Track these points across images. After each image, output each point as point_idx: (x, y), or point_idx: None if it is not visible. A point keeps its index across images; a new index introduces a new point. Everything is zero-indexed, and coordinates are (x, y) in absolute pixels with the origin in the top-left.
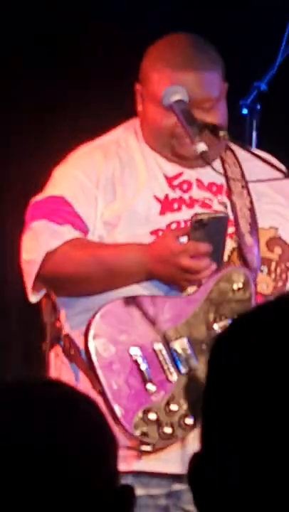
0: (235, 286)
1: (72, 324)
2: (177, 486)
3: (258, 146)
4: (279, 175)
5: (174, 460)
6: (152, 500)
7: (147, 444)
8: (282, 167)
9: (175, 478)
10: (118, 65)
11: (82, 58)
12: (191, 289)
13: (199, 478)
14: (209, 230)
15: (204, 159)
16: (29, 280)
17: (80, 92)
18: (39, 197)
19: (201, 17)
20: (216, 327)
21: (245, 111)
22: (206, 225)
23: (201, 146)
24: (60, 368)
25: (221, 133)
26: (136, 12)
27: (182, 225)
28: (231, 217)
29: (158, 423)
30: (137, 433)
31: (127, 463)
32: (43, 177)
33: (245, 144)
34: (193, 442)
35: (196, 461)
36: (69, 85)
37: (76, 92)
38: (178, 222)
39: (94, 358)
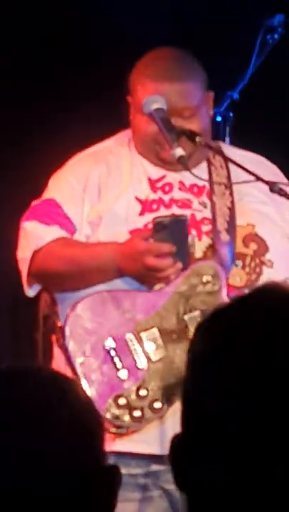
0: (204, 279)
1: (63, 317)
2: (156, 467)
3: None
4: (266, 176)
5: (152, 441)
6: (132, 479)
7: (120, 427)
8: (272, 169)
9: (154, 458)
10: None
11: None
12: (158, 286)
13: (181, 461)
14: (171, 231)
15: (182, 163)
16: (23, 276)
17: (76, 101)
18: (36, 201)
19: (179, 30)
20: (186, 318)
21: (219, 118)
22: (166, 226)
23: (179, 151)
24: (56, 356)
25: (198, 139)
26: (130, 25)
27: None
28: (209, 216)
29: (128, 407)
30: (109, 416)
31: (108, 444)
32: (36, 180)
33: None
34: (171, 425)
35: (177, 443)
36: (64, 92)
37: (72, 101)
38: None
39: (69, 348)
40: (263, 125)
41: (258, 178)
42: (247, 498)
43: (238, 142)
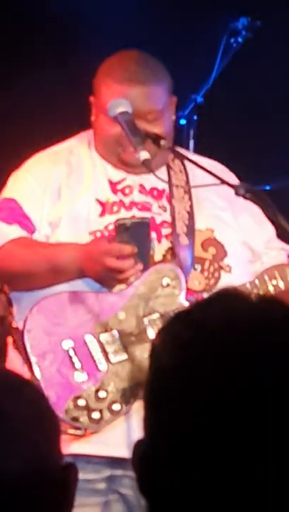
0: (164, 282)
1: (20, 318)
2: (112, 471)
3: (195, 153)
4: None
5: (111, 443)
6: (89, 484)
7: (78, 428)
8: (229, 175)
9: (110, 462)
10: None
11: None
12: (119, 288)
13: (145, 467)
14: (133, 233)
15: (146, 166)
16: None
17: (36, 103)
18: None
19: (143, 33)
20: (146, 320)
21: (183, 121)
22: (128, 228)
23: (144, 155)
24: (11, 357)
25: (162, 142)
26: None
27: None
28: (169, 219)
29: (87, 409)
30: (68, 418)
31: (64, 447)
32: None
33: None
34: (131, 428)
35: (141, 449)
36: (25, 95)
37: (33, 103)
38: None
39: (28, 349)
40: (227, 128)
41: (223, 182)
42: (226, 499)
43: (201, 145)
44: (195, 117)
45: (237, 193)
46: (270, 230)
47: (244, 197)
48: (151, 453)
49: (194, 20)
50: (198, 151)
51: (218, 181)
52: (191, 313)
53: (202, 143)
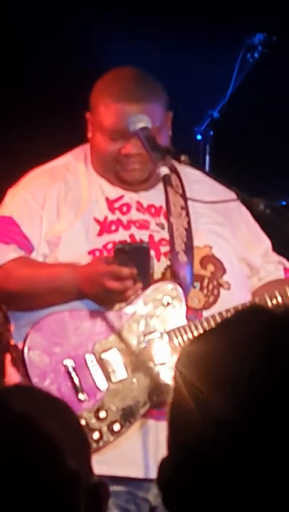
0: (165, 301)
1: (18, 336)
2: (115, 487)
3: (211, 169)
4: (229, 197)
5: (112, 463)
6: None
7: None
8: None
9: (114, 479)
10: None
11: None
12: (119, 306)
13: (169, 485)
14: (132, 256)
15: (166, 182)
16: None
17: (31, 119)
18: None
19: (158, 50)
20: (146, 339)
21: (199, 137)
22: (127, 252)
23: (164, 170)
24: (10, 374)
25: (182, 157)
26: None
27: None
28: (167, 237)
29: (87, 429)
30: None
31: None
32: None
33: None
34: (129, 447)
35: (165, 468)
36: (21, 113)
37: (28, 119)
38: (114, 243)
39: (29, 368)
40: (242, 144)
41: (238, 197)
42: None
43: (217, 160)
44: (211, 133)
45: (255, 209)
46: (267, 242)
47: (263, 213)
48: (175, 472)
49: (211, 36)
50: (213, 166)
51: (221, 197)
52: (214, 333)
53: (218, 158)
